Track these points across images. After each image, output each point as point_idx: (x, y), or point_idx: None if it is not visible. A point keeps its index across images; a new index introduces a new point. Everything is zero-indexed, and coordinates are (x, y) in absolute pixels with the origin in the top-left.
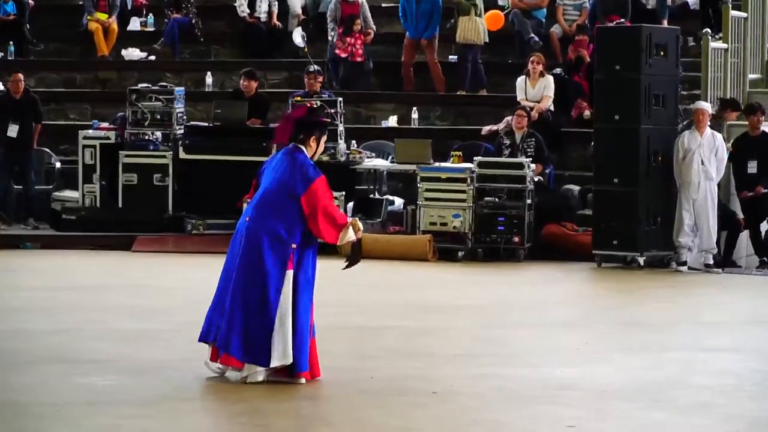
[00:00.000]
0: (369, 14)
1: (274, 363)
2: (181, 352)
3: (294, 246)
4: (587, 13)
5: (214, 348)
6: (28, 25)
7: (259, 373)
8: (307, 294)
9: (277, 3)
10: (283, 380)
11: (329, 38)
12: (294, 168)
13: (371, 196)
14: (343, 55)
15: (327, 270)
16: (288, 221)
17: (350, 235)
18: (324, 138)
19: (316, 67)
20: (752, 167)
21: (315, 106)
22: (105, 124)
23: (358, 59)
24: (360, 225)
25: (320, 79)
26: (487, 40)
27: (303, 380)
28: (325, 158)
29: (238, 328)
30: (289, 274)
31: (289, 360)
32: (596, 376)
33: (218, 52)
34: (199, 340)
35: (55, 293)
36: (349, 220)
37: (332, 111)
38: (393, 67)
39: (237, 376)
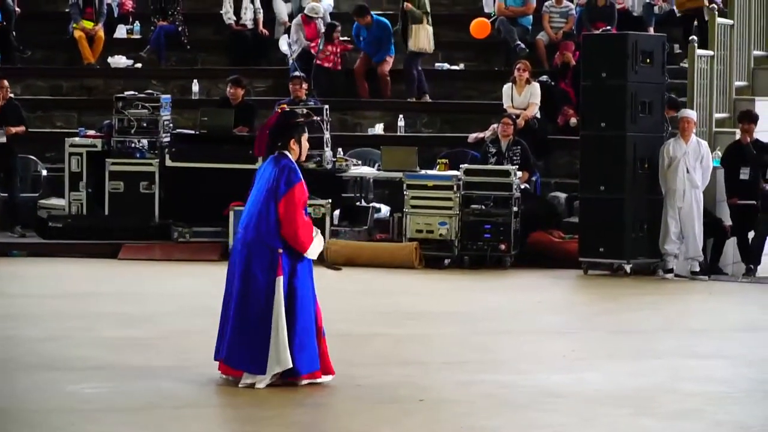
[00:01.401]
0: (323, 29)
1: (272, 370)
2: (169, 360)
3: (280, 251)
4: (573, 21)
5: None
6: (14, 33)
7: (262, 380)
8: (306, 296)
9: (262, 10)
10: (282, 383)
11: (290, 58)
12: (278, 173)
13: (357, 203)
14: (327, 65)
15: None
16: (273, 226)
17: (319, 247)
18: (305, 136)
19: (300, 73)
20: (744, 174)
21: (287, 109)
22: (91, 132)
23: (339, 68)
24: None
25: (305, 85)
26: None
27: (304, 382)
28: (312, 165)
29: (236, 338)
30: (279, 280)
31: (288, 364)
32: (583, 382)
33: (205, 60)
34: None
35: (42, 301)
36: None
37: (318, 118)
38: (376, 75)
39: (242, 384)
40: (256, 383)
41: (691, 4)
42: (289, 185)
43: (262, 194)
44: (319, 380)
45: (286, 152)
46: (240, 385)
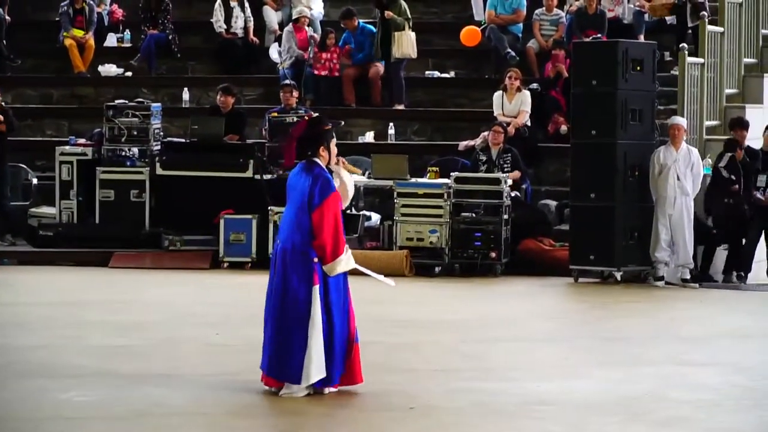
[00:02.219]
0: (315, 34)
1: (310, 380)
2: (159, 368)
3: (316, 260)
4: (564, 28)
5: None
6: (4, 41)
7: (300, 390)
8: (341, 305)
9: (252, 19)
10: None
11: (279, 66)
12: (312, 183)
13: (348, 211)
14: (323, 73)
15: None
16: (307, 236)
17: (343, 267)
18: (333, 141)
19: (290, 81)
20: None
21: (314, 115)
22: (82, 140)
23: (336, 74)
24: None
25: (296, 93)
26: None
27: (334, 390)
28: None
29: (273, 349)
30: (316, 289)
31: (323, 374)
32: (574, 390)
33: (195, 68)
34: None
35: (32, 309)
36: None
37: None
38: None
39: (283, 394)
40: (298, 392)
41: (660, 12)
42: (323, 196)
43: (297, 204)
44: (335, 389)
45: (317, 159)
46: (281, 395)
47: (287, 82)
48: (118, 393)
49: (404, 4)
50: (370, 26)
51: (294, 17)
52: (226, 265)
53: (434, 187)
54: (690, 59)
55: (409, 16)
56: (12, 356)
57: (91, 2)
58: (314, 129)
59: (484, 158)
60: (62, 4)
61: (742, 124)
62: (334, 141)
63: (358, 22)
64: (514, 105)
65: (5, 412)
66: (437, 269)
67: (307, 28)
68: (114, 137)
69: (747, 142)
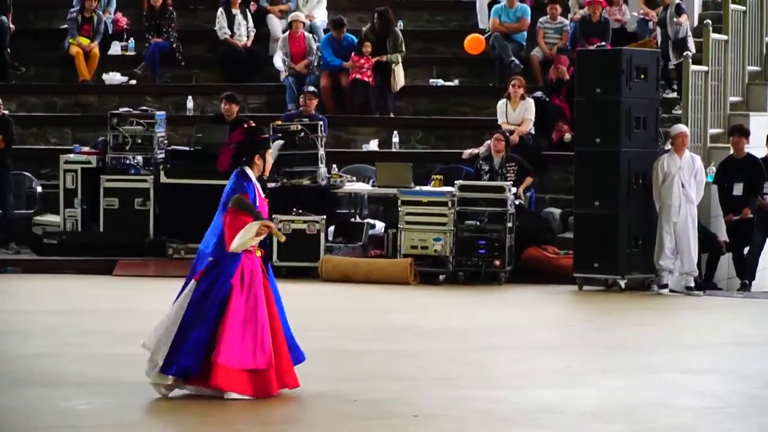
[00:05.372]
0: (314, 45)
1: None
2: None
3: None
4: (568, 36)
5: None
6: (8, 49)
7: None
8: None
9: (255, 29)
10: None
11: (282, 69)
12: (231, 188)
13: (352, 219)
14: (366, 79)
15: (307, 293)
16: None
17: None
18: (269, 152)
19: (313, 88)
20: (738, 190)
21: (252, 125)
22: (86, 149)
23: (367, 79)
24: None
25: (315, 100)
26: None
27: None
28: (306, 182)
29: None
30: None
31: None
32: (577, 398)
33: (199, 76)
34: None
35: (35, 317)
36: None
37: (313, 134)
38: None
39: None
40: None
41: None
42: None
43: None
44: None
45: (249, 168)
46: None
47: (310, 89)
48: (121, 401)
49: (400, 36)
50: (352, 36)
51: (288, 21)
52: None
53: (438, 195)
54: (694, 67)
55: (403, 49)
56: (15, 364)
57: (100, 13)
58: (251, 137)
59: (486, 167)
60: (71, 10)
61: (740, 132)
62: (270, 152)
63: (345, 35)
64: (517, 113)
65: (7, 420)
66: (441, 277)
67: (307, 34)
68: (118, 145)
69: (752, 150)
